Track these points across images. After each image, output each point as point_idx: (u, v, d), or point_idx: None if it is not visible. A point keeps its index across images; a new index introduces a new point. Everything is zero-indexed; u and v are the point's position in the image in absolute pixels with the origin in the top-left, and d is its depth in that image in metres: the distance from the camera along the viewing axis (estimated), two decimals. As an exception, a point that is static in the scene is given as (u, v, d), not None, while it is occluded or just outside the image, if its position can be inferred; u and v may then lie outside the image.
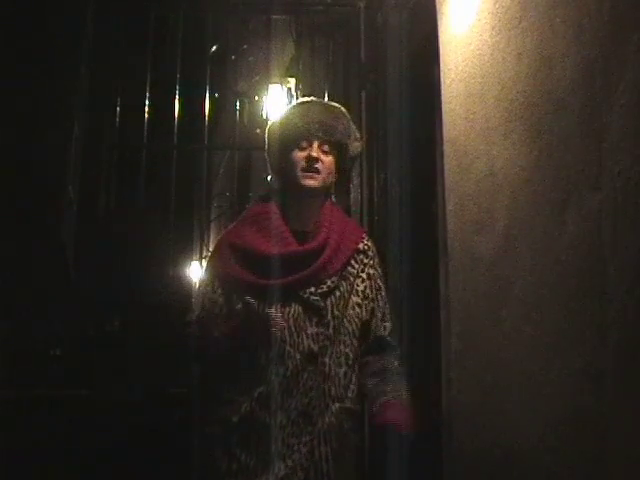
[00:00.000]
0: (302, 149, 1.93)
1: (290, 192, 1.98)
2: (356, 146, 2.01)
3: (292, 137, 1.95)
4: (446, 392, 2.41)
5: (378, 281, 2.00)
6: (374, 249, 2.04)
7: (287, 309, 1.85)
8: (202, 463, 1.90)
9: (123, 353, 3.15)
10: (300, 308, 1.86)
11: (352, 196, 3.59)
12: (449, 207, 2.35)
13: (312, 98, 2.10)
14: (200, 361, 2.06)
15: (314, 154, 1.92)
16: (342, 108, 2.03)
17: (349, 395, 1.88)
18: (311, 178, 1.92)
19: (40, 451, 2.85)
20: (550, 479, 1.68)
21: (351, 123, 2.02)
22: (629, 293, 1.41)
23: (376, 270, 2.00)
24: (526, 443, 1.79)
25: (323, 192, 1.99)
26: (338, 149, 1.97)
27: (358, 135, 2.04)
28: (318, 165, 1.92)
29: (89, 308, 3.21)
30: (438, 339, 2.52)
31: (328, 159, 1.95)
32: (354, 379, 1.90)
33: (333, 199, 2.09)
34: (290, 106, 2.09)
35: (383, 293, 1.99)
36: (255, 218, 1.98)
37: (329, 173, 1.96)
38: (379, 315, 1.96)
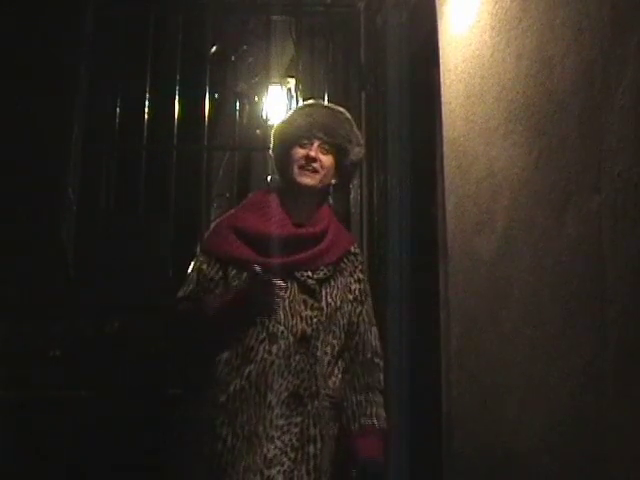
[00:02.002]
0: (302, 147, 1.96)
1: (288, 189, 2.01)
2: (357, 151, 2.03)
3: (294, 134, 1.98)
4: (446, 393, 2.41)
5: (366, 286, 2.05)
6: (362, 256, 2.11)
7: None
8: (186, 447, 1.90)
9: (123, 353, 3.15)
10: (296, 290, 1.89)
11: (352, 196, 3.60)
12: (449, 208, 2.36)
13: (319, 101, 2.13)
14: (190, 339, 2.05)
15: (312, 154, 1.94)
16: (347, 114, 2.07)
17: (330, 385, 1.90)
18: (307, 176, 1.95)
19: (40, 451, 2.85)
20: (550, 479, 1.68)
21: (355, 128, 2.05)
22: (629, 293, 1.41)
23: (364, 276, 2.06)
24: (526, 443, 1.79)
25: (320, 192, 2.01)
26: (338, 152, 1.99)
27: (361, 141, 2.06)
28: (316, 165, 1.95)
29: (89, 308, 3.20)
30: (438, 339, 2.53)
31: (327, 158, 1.97)
32: (336, 371, 1.93)
33: (330, 201, 2.12)
34: (297, 107, 2.12)
35: (369, 299, 2.04)
36: (256, 205, 2.01)
37: (327, 173, 1.98)
38: (367, 319, 2.00)
